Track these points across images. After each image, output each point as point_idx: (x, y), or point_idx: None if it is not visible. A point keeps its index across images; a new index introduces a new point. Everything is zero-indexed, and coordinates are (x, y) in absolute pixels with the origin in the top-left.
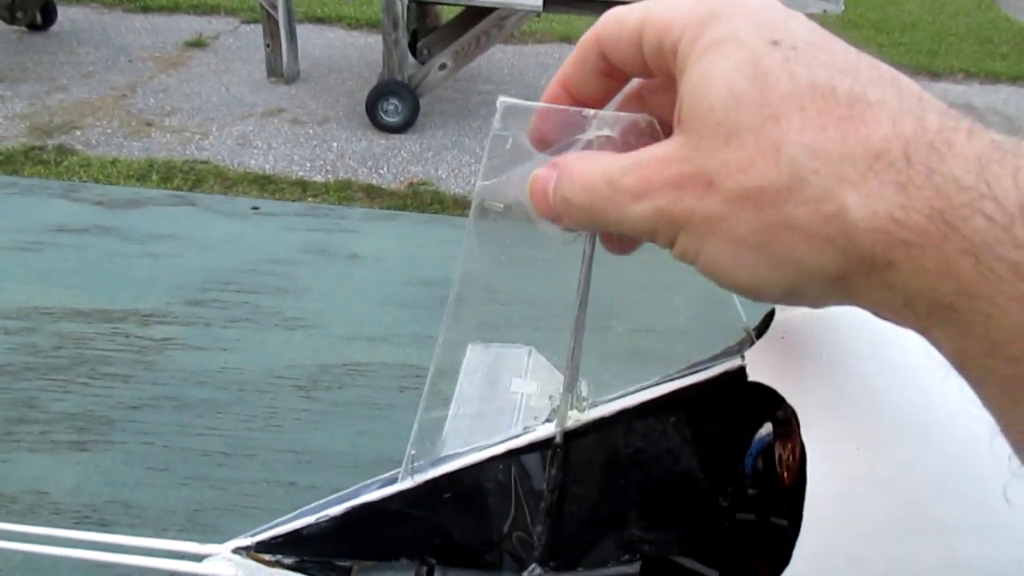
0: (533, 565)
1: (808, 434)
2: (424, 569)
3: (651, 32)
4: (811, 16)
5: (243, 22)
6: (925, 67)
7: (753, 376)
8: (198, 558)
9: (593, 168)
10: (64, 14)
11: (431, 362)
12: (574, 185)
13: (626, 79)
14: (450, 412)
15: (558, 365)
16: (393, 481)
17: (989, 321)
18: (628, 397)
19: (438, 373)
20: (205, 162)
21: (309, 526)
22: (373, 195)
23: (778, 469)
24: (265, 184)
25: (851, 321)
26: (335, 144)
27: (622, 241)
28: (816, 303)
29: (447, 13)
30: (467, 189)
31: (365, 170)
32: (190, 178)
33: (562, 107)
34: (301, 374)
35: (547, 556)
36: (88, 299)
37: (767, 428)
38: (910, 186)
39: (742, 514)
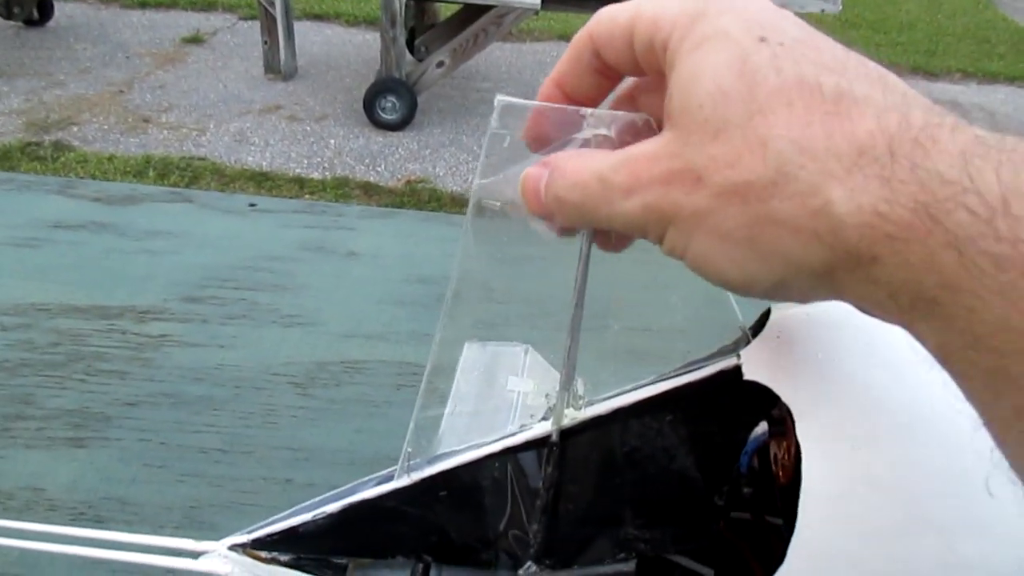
0: (529, 563)
1: (803, 433)
2: (420, 567)
3: (642, 29)
4: (809, 15)
5: (241, 18)
6: (922, 67)
7: (749, 375)
8: (194, 555)
9: (584, 166)
10: (61, 10)
11: (428, 360)
12: (566, 182)
13: (620, 77)
14: (447, 410)
15: (555, 363)
16: (390, 479)
17: (972, 314)
18: (624, 396)
19: (435, 371)
20: (202, 159)
21: (306, 523)
22: (371, 192)
23: (773, 468)
24: (262, 181)
25: (846, 320)
26: (332, 141)
27: (615, 238)
28: (803, 298)
29: (445, 11)
30: (465, 187)
31: (363, 167)
32: (187, 175)
33: (558, 106)
34: (298, 371)
35: (543, 554)
36: (85, 295)
37: (762, 427)
38: (894, 180)
39: (737, 513)
